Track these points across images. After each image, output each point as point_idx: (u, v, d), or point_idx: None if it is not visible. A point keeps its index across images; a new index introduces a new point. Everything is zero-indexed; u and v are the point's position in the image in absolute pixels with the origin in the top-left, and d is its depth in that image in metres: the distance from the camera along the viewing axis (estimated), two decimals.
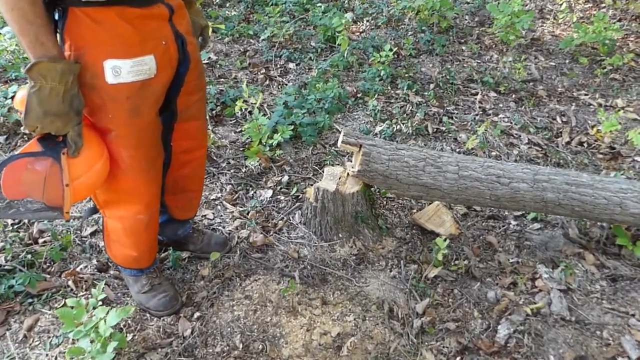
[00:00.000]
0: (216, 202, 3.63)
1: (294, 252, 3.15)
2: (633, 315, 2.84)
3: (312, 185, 3.63)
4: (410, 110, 4.92)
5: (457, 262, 3.19)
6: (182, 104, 2.45)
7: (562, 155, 4.35)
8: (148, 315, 2.76)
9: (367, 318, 2.79)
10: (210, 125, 4.46)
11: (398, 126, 4.59)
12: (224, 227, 3.39)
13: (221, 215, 3.51)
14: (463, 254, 3.28)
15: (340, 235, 3.25)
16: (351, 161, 3.30)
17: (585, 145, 4.55)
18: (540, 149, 4.45)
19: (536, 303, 2.93)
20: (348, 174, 3.25)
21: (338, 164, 4.04)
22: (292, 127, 4.24)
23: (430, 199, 3.36)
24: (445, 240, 2.94)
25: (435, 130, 4.67)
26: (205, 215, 3.49)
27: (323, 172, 3.44)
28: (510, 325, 2.76)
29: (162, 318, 2.74)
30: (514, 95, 5.30)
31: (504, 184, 3.11)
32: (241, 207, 3.57)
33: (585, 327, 2.79)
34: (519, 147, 4.45)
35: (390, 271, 3.12)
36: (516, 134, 4.63)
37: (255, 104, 4.39)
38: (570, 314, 2.85)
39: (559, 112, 5.07)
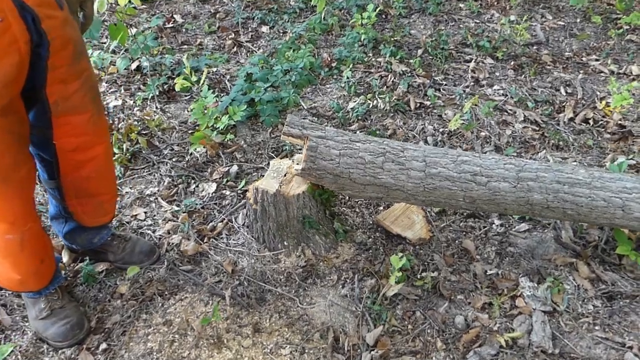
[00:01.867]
0: (151, 199, 3.14)
1: (229, 265, 2.67)
2: (630, 348, 2.33)
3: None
4: (392, 81, 4.31)
5: (423, 274, 2.69)
6: (56, 95, 1.93)
7: (563, 136, 3.74)
8: (45, 346, 2.33)
9: (306, 350, 2.33)
10: (159, 103, 3.92)
11: (375, 101, 4.01)
12: (154, 231, 2.91)
13: (154, 216, 3.02)
14: (433, 263, 2.77)
15: (285, 243, 2.75)
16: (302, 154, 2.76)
17: (591, 122, 3.92)
18: (537, 129, 3.84)
19: (514, 330, 2.43)
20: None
21: (295, 153, 3.50)
22: (249, 105, 3.68)
23: (392, 201, 2.83)
24: (401, 258, 2.43)
25: (418, 105, 4.07)
26: (136, 216, 3.01)
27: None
28: None
29: (60, 350, 2.31)
30: (512, 62, 4.63)
31: (481, 184, 2.56)
32: (178, 206, 3.07)
33: None
34: (513, 126, 3.85)
35: (343, 287, 2.63)
36: (511, 110, 4.01)
37: (215, 75, 3.82)
38: (554, 346, 2.35)
39: (564, 81, 4.41)
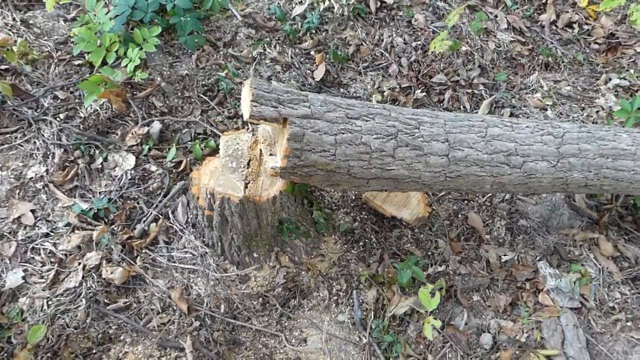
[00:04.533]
0: (38, 186, 2.13)
1: (181, 299, 1.90)
2: None
3: (204, 140, 2.23)
4: None
5: (435, 267, 2.14)
6: None
7: (552, 51, 3.13)
8: None
9: None
10: (17, 11, 2.61)
11: (327, 2, 3.02)
12: (55, 246, 1.98)
13: (48, 217, 2.06)
14: (438, 252, 2.22)
15: (255, 255, 2.01)
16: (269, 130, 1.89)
17: (576, 28, 3.32)
18: (522, 39, 3.17)
19: (544, 339, 2.04)
20: (261, 158, 1.88)
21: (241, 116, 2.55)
22: (158, 15, 2.56)
23: (400, 191, 2.13)
24: (433, 295, 1.81)
25: (379, 6, 3.16)
26: (19, 219, 2.03)
27: (218, 142, 2.02)
28: None
29: None
30: None
31: (515, 166, 1.95)
32: (84, 198, 2.12)
33: None
34: (496, 37, 3.14)
35: (337, 305, 2.02)
36: (491, 13, 3.25)
37: None
38: (591, 358, 2.00)
39: None
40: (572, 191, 2.14)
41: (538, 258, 2.26)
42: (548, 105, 2.91)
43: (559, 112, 2.91)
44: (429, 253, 2.21)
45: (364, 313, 1.99)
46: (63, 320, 1.83)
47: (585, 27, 3.33)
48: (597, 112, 2.93)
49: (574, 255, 2.29)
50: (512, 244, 2.31)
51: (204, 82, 2.55)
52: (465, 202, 2.41)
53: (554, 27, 3.32)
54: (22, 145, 2.21)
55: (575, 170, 2.02)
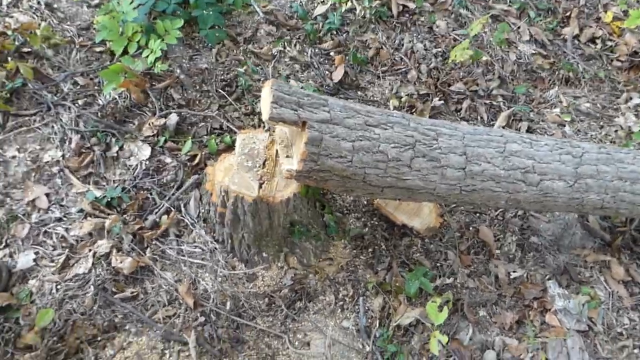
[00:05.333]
0: (54, 170, 2.14)
1: (188, 293, 1.90)
2: None
3: (219, 135, 2.23)
4: None
5: (443, 279, 2.13)
6: None
7: (574, 66, 3.09)
8: None
9: None
10: None
11: (350, 4, 3.00)
12: (67, 231, 1.99)
13: (62, 202, 2.07)
14: (447, 263, 2.21)
15: (264, 255, 2.01)
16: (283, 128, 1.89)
17: (599, 44, 3.29)
18: (544, 52, 3.14)
19: (548, 359, 2.02)
20: (277, 159, 1.88)
21: (259, 111, 2.55)
22: (183, 8, 2.56)
23: (413, 201, 2.12)
24: (441, 309, 1.80)
25: (401, 10, 3.14)
26: (34, 202, 2.04)
27: (233, 138, 2.02)
28: None
29: None
30: None
31: (532, 184, 1.93)
32: (98, 186, 2.12)
33: None
34: (517, 48, 3.11)
35: (342, 311, 2.01)
36: (514, 24, 3.23)
37: None
38: None
39: None
40: (587, 212, 2.12)
41: (547, 277, 2.24)
42: (566, 121, 2.88)
43: (577, 129, 2.88)
44: (438, 264, 2.20)
45: (369, 321, 1.99)
46: (70, 306, 1.84)
47: (609, 43, 3.30)
48: (616, 131, 2.90)
49: (584, 277, 2.27)
50: (522, 260, 2.29)
51: (222, 77, 2.55)
52: (478, 215, 2.40)
53: (576, 42, 3.29)
54: (40, 129, 2.22)
55: (592, 191, 2.00)
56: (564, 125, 2.86)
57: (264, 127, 2.31)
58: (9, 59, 2.28)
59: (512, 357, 2.01)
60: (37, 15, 2.48)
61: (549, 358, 2.02)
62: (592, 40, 3.34)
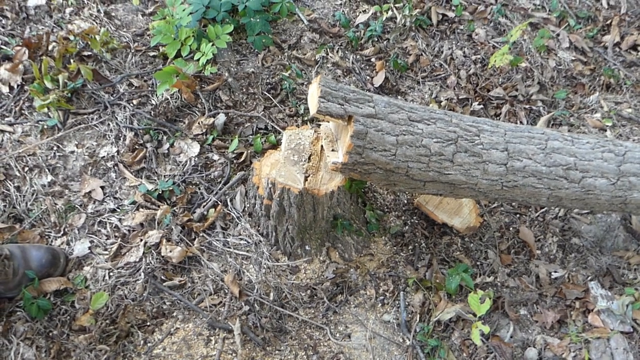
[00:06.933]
0: (109, 164, 2.26)
1: (233, 282, 1.97)
2: None
3: (264, 135, 2.32)
4: None
5: (483, 277, 2.14)
6: None
7: (615, 73, 3.08)
8: None
9: None
10: (101, 3, 2.79)
11: (390, 12, 3.08)
12: (121, 221, 2.10)
13: (116, 194, 2.19)
14: (487, 262, 2.22)
15: (307, 248, 2.07)
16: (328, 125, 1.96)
17: None
18: (584, 58, 3.14)
19: (591, 358, 2.00)
20: (322, 154, 1.95)
21: (306, 111, 2.63)
22: (231, 16, 2.68)
23: (455, 197, 2.15)
24: (483, 301, 1.82)
25: (441, 18, 3.19)
26: (90, 194, 2.16)
27: (280, 139, 2.10)
28: None
29: None
30: None
31: (574, 181, 1.93)
32: (150, 180, 2.23)
33: None
34: (557, 55, 3.12)
35: (383, 305, 2.05)
36: (553, 32, 3.24)
37: None
38: None
39: None
40: (630, 211, 2.10)
41: (589, 278, 2.23)
42: (607, 126, 2.87)
43: (619, 133, 2.85)
44: (478, 263, 2.22)
45: (410, 315, 2.01)
46: (122, 292, 1.93)
47: None
48: None
49: (628, 279, 2.24)
50: (564, 261, 2.28)
51: (268, 81, 2.64)
52: (517, 215, 2.40)
53: (617, 49, 3.27)
54: (97, 126, 2.36)
55: (635, 189, 1.99)
56: (605, 130, 2.85)
57: (309, 125, 2.39)
58: (72, 61, 2.43)
59: (554, 355, 1.99)
60: (96, 22, 2.64)
61: (592, 357, 2.00)
62: (634, 47, 3.32)
